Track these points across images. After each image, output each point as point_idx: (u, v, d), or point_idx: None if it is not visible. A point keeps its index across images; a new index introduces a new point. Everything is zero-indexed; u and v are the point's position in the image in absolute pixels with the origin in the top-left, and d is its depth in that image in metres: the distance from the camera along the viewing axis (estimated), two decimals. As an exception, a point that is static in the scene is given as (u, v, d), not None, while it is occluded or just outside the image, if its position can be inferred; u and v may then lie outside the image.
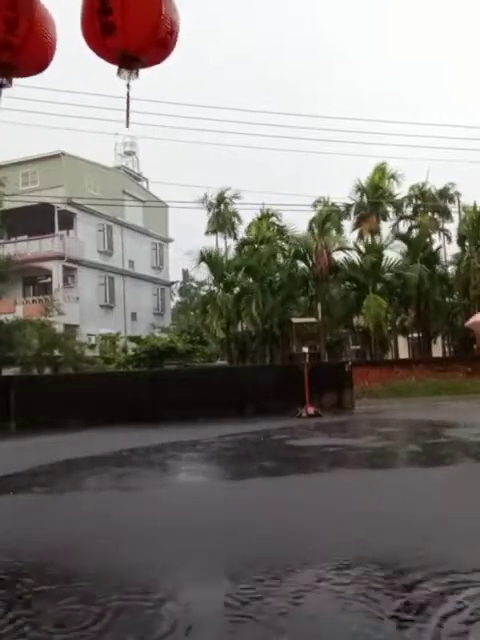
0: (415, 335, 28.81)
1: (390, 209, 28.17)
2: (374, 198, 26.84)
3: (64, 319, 27.18)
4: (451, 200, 28.13)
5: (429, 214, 27.86)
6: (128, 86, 3.47)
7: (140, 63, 3.38)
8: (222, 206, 28.50)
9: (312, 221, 26.90)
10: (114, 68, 3.46)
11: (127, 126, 3.59)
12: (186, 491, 6.81)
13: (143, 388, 15.00)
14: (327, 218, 26.25)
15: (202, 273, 29.47)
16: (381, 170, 27.00)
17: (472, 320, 14.44)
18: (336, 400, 15.54)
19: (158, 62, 3.50)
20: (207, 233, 28.73)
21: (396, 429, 11.93)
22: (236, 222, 29.00)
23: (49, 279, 30.97)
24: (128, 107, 3.58)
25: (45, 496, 6.74)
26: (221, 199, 28.44)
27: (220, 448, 9.91)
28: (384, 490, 6.14)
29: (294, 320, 23.00)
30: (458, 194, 27.96)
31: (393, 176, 27.25)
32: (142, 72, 3.45)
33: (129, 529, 4.88)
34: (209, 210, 28.43)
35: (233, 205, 28.61)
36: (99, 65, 3.59)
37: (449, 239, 28.27)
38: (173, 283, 44.10)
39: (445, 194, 28.02)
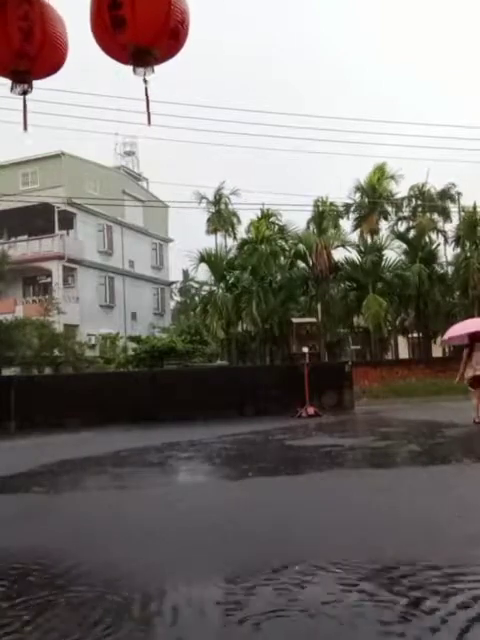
0: (415, 335, 28.81)
1: (389, 208, 28.17)
2: (373, 198, 26.83)
3: (64, 319, 27.18)
4: (453, 200, 28.11)
5: (428, 214, 27.84)
6: (145, 82, 3.44)
7: (153, 57, 3.36)
8: (221, 205, 28.49)
9: (310, 220, 26.90)
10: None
11: (148, 123, 3.58)
12: (186, 491, 6.81)
13: (143, 388, 15.00)
14: (322, 216, 26.22)
15: (202, 273, 29.50)
16: (380, 170, 27.00)
17: (448, 336, 14.43)
18: (336, 400, 15.55)
19: (171, 55, 3.47)
20: (208, 232, 28.73)
21: (396, 429, 11.94)
22: (235, 222, 28.99)
23: (49, 279, 30.97)
24: (148, 104, 3.55)
25: (45, 496, 6.74)
26: (219, 197, 28.43)
27: (220, 448, 9.91)
28: (384, 490, 6.14)
29: (294, 320, 22.98)
30: (459, 194, 27.96)
31: (392, 177, 27.24)
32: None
33: (129, 529, 4.88)
34: (207, 204, 28.42)
35: (232, 205, 28.63)
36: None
37: (447, 240, 28.29)
38: (173, 283, 44.06)
39: (446, 194, 27.99)
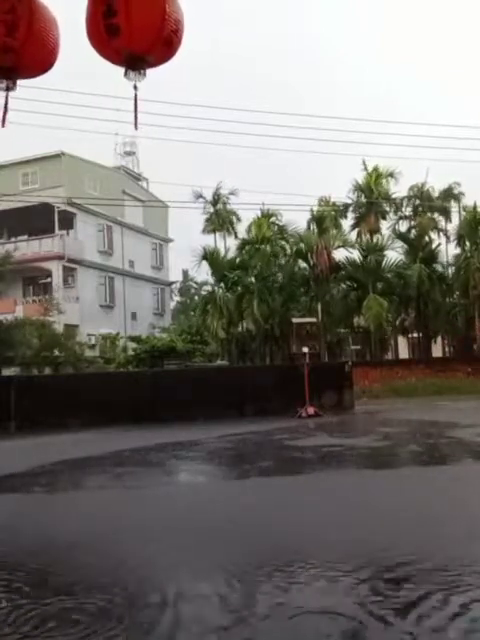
0: (415, 335, 28.82)
1: (388, 208, 28.14)
2: (370, 198, 26.82)
3: (64, 319, 27.17)
4: (456, 199, 28.07)
5: (428, 214, 27.81)
6: (135, 88, 3.46)
7: (146, 63, 3.38)
8: (219, 205, 28.46)
9: (310, 220, 26.92)
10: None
11: (136, 128, 3.57)
12: (186, 491, 6.81)
13: (143, 388, 15.00)
14: (322, 216, 26.22)
15: (202, 273, 29.46)
16: (376, 170, 27.02)
17: None
18: (336, 400, 15.54)
19: (164, 61, 3.49)
20: (204, 232, 28.66)
21: (396, 429, 11.93)
22: (235, 221, 28.95)
23: (49, 279, 30.94)
24: (136, 108, 3.57)
25: (45, 496, 6.75)
26: (217, 197, 28.40)
27: (220, 448, 9.91)
28: (384, 490, 6.14)
29: (294, 320, 23.00)
30: (462, 194, 27.93)
31: (391, 174, 27.19)
32: (147, 71, 3.44)
33: (129, 528, 4.88)
34: (205, 206, 28.39)
35: (230, 204, 28.59)
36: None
37: (448, 239, 28.28)
38: (173, 283, 44.05)
39: (449, 193, 27.94)
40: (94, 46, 3.37)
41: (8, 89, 3.53)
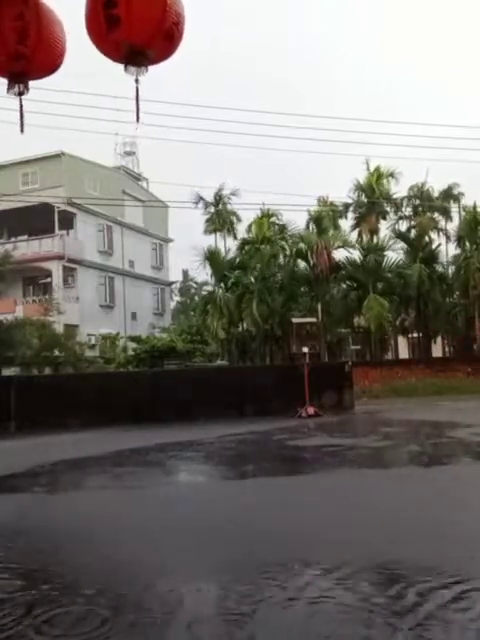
0: (415, 335, 28.82)
1: (388, 208, 28.13)
2: (372, 198, 26.81)
3: (64, 319, 27.18)
4: (456, 200, 28.06)
5: (428, 214, 27.80)
6: (136, 81, 3.44)
7: (146, 58, 3.35)
8: (220, 205, 28.43)
9: (310, 220, 26.93)
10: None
11: (137, 121, 3.56)
12: (186, 491, 6.81)
13: (143, 388, 15.00)
14: (319, 218, 26.23)
15: (202, 273, 29.42)
16: (377, 170, 27.04)
17: None
18: (336, 400, 15.54)
19: (165, 57, 3.46)
20: (206, 233, 28.64)
21: (396, 429, 11.94)
22: (235, 221, 28.93)
23: (49, 279, 30.94)
24: (137, 103, 3.55)
25: (46, 496, 6.75)
26: (219, 197, 28.39)
27: (220, 448, 9.91)
28: (384, 490, 6.14)
29: (294, 320, 22.99)
30: (462, 194, 27.91)
31: (391, 174, 27.19)
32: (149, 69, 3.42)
33: (129, 528, 4.88)
34: (206, 207, 28.36)
35: (231, 204, 28.56)
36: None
37: (448, 239, 28.29)
38: (173, 283, 44.04)
39: (449, 193, 27.94)
40: (93, 40, 3.34)
41: (21, 94, 3.54)
